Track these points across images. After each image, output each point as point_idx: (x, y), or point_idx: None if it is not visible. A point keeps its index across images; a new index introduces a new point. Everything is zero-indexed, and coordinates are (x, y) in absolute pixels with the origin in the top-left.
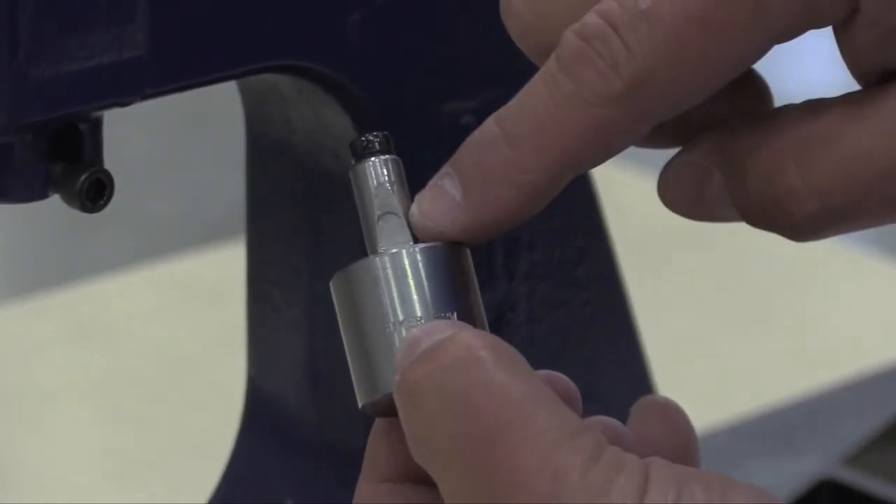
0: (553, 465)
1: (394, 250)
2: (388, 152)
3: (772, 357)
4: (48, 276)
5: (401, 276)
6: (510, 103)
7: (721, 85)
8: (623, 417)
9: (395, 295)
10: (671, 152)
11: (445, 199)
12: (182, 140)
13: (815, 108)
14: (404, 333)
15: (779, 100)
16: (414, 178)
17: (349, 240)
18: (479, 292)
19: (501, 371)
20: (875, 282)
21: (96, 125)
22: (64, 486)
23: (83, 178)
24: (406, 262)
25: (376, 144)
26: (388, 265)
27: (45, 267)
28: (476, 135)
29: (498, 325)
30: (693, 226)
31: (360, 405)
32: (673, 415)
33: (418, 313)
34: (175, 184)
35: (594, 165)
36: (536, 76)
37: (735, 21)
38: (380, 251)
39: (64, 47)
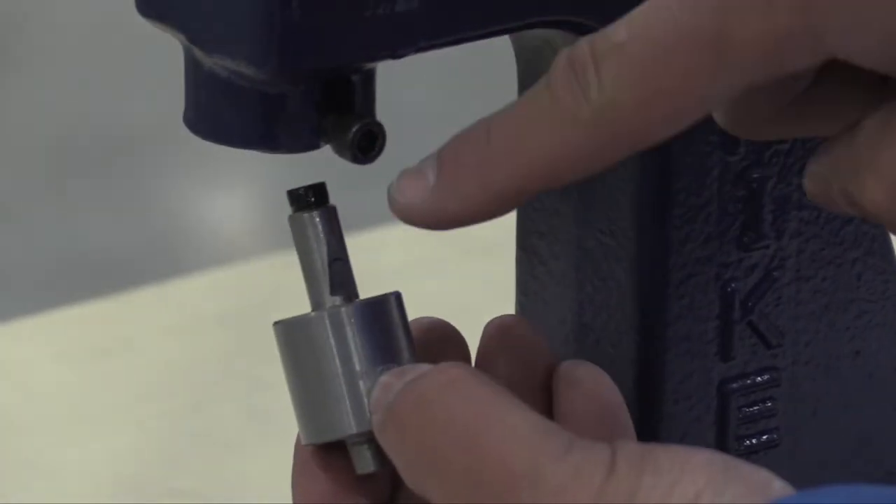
0: (531, 452)
1: (344, 307)
2: (328, 202)
3: None
4: None
5: (355, 330)
6: (503, 108)
7: (690, 122)
8: (890, 378)
9: (351, 348)
10: None
11: (422, 180)
12: (455, 94)
13: None
14: (365, 384)
15: None
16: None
17: (617, 194)
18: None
19: (478, 386)
20: None
21: (369, 76)
22: None
23: (355, 129)
24: (361, 314)
25: (319, 195)
26: (342, 320)
27: None
28: (466, 129)
29: (765, 285)
30: None
31: (304, 443)
32: (595, 382)
33: (377, 364)
34: (447, 137)
35: (561, 184)
36: (531, 89)
37: (697, 66)
38: (328, 305)
39: None
